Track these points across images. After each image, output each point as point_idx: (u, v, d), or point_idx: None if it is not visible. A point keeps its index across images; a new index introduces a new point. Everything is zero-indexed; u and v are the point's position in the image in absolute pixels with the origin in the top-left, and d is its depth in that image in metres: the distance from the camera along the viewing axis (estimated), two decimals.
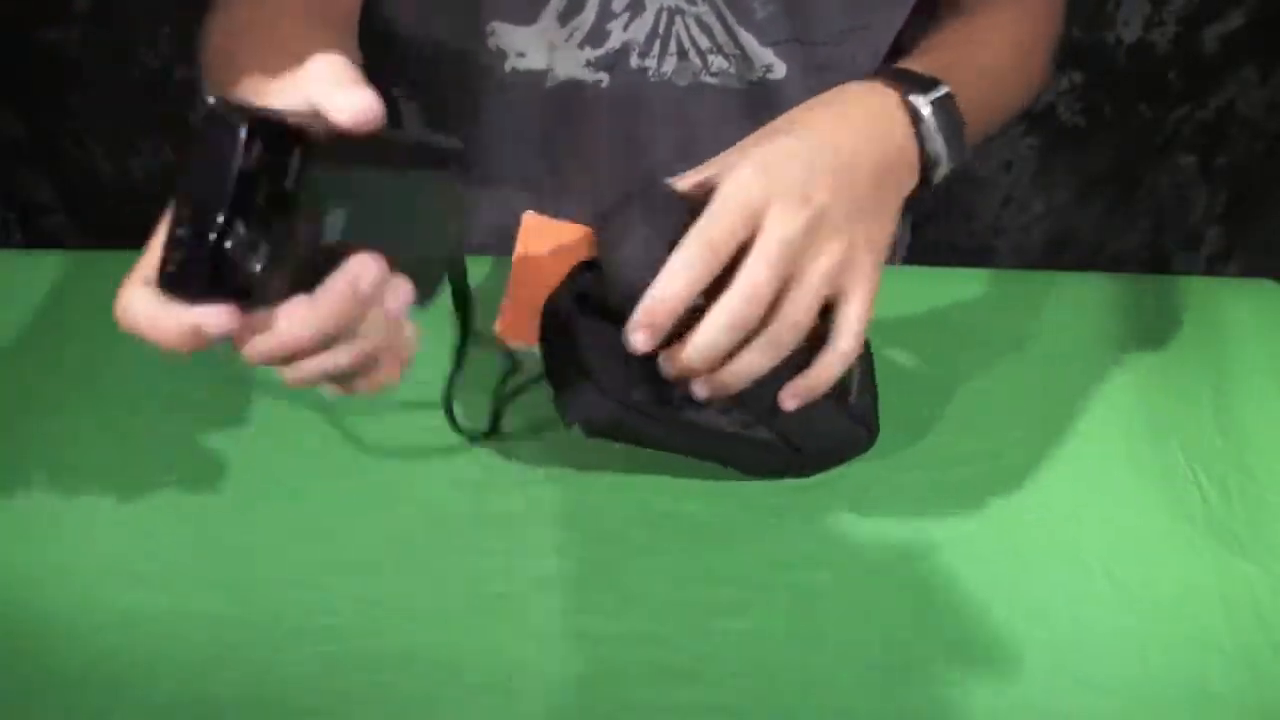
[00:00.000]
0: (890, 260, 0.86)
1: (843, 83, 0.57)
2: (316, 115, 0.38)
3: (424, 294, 0.43)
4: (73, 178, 1.30)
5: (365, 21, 0.69)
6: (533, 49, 0.70)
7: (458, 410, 0.59)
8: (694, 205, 0.50)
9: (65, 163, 1.29)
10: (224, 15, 0.65)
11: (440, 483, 0.59)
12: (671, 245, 0.49)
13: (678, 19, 0.69)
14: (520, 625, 0.54)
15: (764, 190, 0.50)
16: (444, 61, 0.73)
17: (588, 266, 0.54)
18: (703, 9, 0.68)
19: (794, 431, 0.57)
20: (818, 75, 0.71)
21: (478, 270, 0.62)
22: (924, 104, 0.56)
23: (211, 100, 0.35)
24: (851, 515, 0.59)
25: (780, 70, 0.71)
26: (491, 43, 0.70)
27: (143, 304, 0.37)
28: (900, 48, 0.74)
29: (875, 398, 0.60)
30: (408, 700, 0.51)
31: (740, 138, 0.55)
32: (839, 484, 0.60)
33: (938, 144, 0.56)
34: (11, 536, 0.56)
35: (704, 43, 0.70)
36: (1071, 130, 1.25)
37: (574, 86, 0.71)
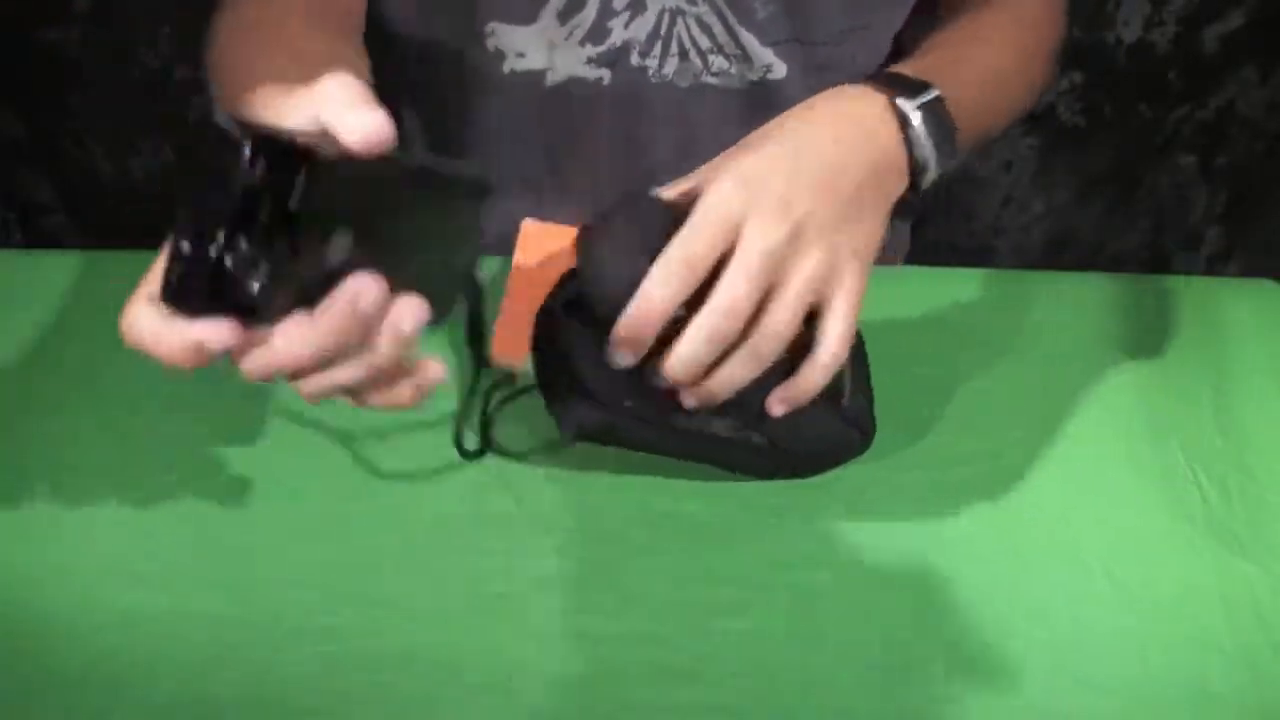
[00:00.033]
0: (891, 260, 0.87)
1: (843, 83, 0.57)
2: (326, 135, 0.38)
3: (435, 316, 0.43)
4: (73, 178, 1.31)
5: (365, 22, 0.69)
6: (532, 48, 0.70)
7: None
8: (678, 214, 0.50)
9: (65, 163, 1.29)
10: (231, 14, 0.65)
11: (440, 483, 0.59)
12: (653, 256, 0.49)
13: (679, 20, 0.69)
14: (520, 625, 0.54)
15: (744, 201, 0.50)
16: (443, 62, 0.73)
17: (576, 274, 0.54)
18: (703, 9, 0.68)
19: (786, 436, 0.57)
20: (818, 75, 0.71)
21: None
22: (912, 109, 0.55)
23: (218, 117, 0.35)
24: (852, 515, 0.59)
25: (780, 70, 0.71)
26: (490, 43, 0.70)
27: (146, 320, 0.37)
28: (901, 48, 0.74)
29: (870, 399, 0.60)
30: (408, 700, 0.51)
31: (740, 137, 0.55)
32: (839, 484, 0.60)
33: (926, 149, 0.56)
34: (11, 536, 0.56)
35: (704, 43, 0.70)
36: (1071, 130, 1.25)
37: (574, 85, 0.71)
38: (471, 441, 0.60)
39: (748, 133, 0.55)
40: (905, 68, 0.60)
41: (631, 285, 0.49)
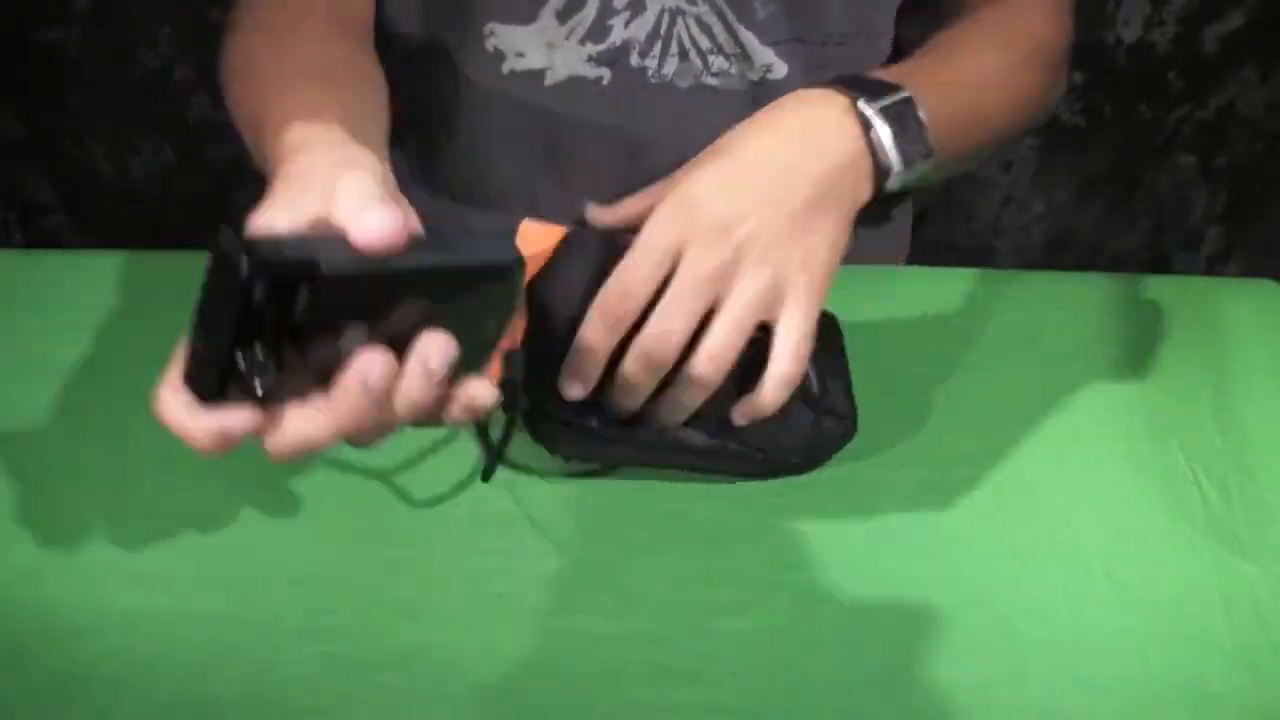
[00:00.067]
0: (891, 260, 0.87)
1: None
2: (342, 235, 0.40)
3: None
4: (73, 178, 1.30)
5: None
6: (532, 48, 0.70)
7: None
8: (625, 245, 0.52)
9: (65, 163, 1.29)
10: (248, 16, 0.65)
11: (440, 483, 0.59)
12: (596, 289, 0.51)
13: (679, 19, 0.69)
14: (520, 625, 0.54)
15: (682, 229, 0.51)
16: (442, 63, 0.73)
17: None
18: (703, 9, 0.68)
19: (761, 440, 0.57)
20: (819, 75, 0.71)
21: None
22: (874, 111, 0.55)
23: (221, 233, 0.36)
24: (851, 515, 0.59)
25: (781, 70, 0.71)
26: (490, 44, 0.70)
27: (173, 409, 0.39)
28: (902, 49, 0.74)
29: (848, 383, 0.60)
30: (408, 700, 0.51)
31: None
32: (838, 484, 0.60)
33: (890, 152, 0.55)
34: (11, 536, 0.56)
35: (704, 43, 0.70)
36: (1071, 130, 1.25)
37: (574, 85, 0.71)
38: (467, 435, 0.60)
39: None
40: (883, 70, 0.59)
41: (572, 329, 0.52)
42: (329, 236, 0.40)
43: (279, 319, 0.36)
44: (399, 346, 0.40)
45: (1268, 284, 0.74)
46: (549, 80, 0.71)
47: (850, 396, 0.60)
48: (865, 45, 0.72)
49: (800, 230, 0.52)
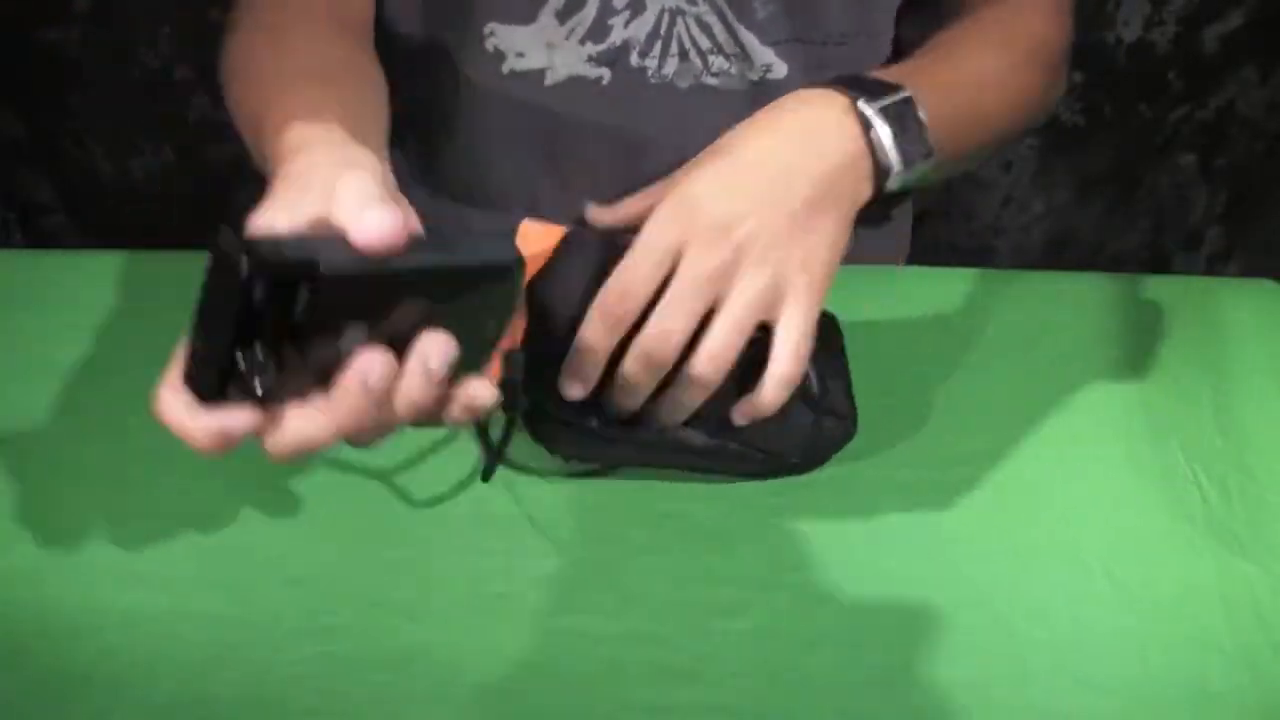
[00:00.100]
0: (891, 260, 0.87)
1: None
2: (342, 235, 0.40)
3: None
4: (73, 178, 1.30)
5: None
6: (531, 48, 0.70)
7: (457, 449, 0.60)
8: (625, 245, 0.52)
9: (65, 163, 1.29)
10: (248, 16, 0.65)
11: (440, 483, 0.59)
12: (596, 289, 0.51)
13: (679, 19, 0.69)
14: (520, 625, 0.54)
15: (682, 229, 0.51)
16: (442, 64, 0.73)
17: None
18: (703, 9, 0.68)
19: (761, 440, 0.57)
20: (819, 75, 0.71)
21: None
22: (874, 111, 0.55)
23: (221, 233, 0.36)
24: (851, 515, 0.59)
25: (781, 70, 0.71)
26: (489, 44, 0.70)
27: (173, 409, 0.39)
28: (902, 49, 0.74)
29: (848, 383, 0.60)
30: (408, 700, 0.51)
31: None
32: (838, 484, 0.60)
33: (890, 152, 0.55)
34: (11, 536, 0.56)
35: (704, 43, 0.70)
36: (1071, 130, 1.25)
37: (574, 85, 0.71)
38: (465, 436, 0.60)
39: None
40: (883, 70, 0.59)
41: (572, 329, 0.52)
42: (329, 236, 0.40)
43: (279, 319, 0.36)
44: (399, 346, 0.40)
45: (1268, 284, 0.74)
46: (549, 80, 0.71)
47: (850, 396, 0.60)
48: (865, 45, 0.72)
49: (800, 230, 0.52)
